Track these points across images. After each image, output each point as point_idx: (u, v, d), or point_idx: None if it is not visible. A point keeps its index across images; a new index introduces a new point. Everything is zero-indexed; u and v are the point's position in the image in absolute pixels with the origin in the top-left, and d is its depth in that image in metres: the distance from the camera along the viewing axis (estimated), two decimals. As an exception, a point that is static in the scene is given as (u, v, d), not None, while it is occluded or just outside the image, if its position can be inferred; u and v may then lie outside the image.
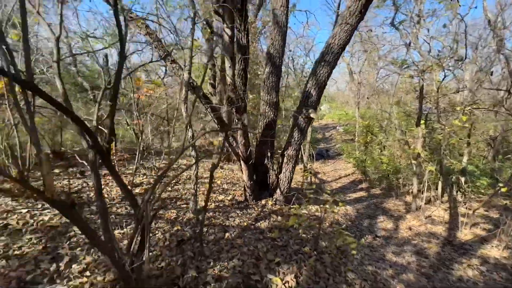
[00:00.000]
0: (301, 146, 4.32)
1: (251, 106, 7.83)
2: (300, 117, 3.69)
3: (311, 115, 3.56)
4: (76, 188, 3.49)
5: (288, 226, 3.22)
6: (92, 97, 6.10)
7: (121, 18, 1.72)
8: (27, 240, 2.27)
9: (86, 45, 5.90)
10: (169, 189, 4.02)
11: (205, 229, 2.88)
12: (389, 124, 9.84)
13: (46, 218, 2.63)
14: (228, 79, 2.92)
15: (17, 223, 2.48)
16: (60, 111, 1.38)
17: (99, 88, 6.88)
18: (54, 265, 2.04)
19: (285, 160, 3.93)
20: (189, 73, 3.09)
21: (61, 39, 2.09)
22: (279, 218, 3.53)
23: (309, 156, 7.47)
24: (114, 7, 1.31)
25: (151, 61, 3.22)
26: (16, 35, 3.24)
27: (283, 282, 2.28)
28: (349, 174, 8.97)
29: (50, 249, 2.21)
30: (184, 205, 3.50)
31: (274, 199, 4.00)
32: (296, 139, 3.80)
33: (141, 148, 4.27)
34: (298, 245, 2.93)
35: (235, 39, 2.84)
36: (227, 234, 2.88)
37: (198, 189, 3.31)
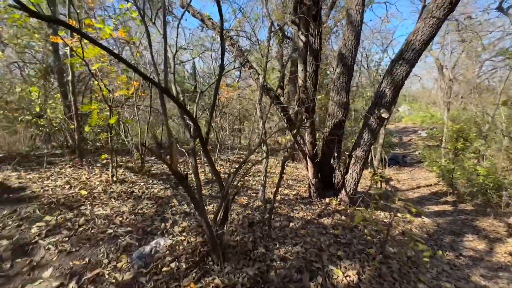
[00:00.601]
0: (371, 148, 4.15)
1: (318, 107, 7.83)
2: (371, 117, 3.60)
3: (383, 115, 3.42)
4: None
5: (353, 226, 3.23)
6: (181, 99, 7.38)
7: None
8: (145, 204, 3.10)
9: (179, 55, 7.19)
10: (241, 179, 4.57)
11: (272, 216, 3.22)
12: (493, 129, 8.07)
13: (156, 190, 3.49)
14: (300, 81, 3.16)
15: (138, 191, 3.40)
16: (180, 108, 1.93)
17: (187, 91, 8.25)
18: (163, 224, 2.74)
19: (352, 161, 3.89)
20: (264, 77, 3.49)
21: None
22: (343, 217, 3.55)
23: (380, 160, 6.94)
24: (220, 31, 1.74)
25: (234, 68, 3.77)
26: (138, 53, 4.31)
27: (345, 275, 2.37)
28: (430, 185, 7.83)
29: (159, 213, 2.96)
30: (254, 194, 3.94)
31: (338, 199, 4.02)
32: (365, 140, 3.72)
33: (219, 143, 4.99)
34: (363, 245, 2.92)
35: (308, 44, 3.05)
36: (291, 224, 3.14)
37: (266, 181, 3.68)
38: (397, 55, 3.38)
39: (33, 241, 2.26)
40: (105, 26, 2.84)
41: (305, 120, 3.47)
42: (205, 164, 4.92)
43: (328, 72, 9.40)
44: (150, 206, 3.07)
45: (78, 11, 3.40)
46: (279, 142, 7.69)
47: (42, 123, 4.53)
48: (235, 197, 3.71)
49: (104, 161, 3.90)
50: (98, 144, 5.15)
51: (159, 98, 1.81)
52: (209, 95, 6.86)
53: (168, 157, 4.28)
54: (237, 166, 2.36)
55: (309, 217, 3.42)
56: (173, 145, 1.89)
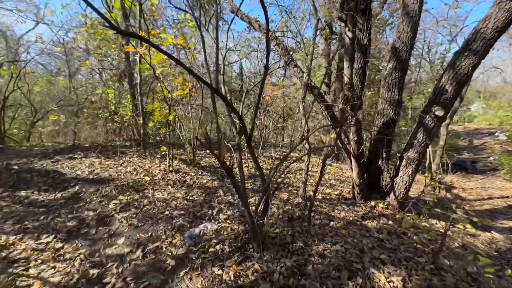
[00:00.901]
0: (430, 151, 3.76)
1: (368, 104, 7.36)
2: (427, 116, 3.28)
3: (437, 113, 3.08)
4: (218, 165, 4.77)
5: (401, 231, 3.02)
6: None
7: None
8: (195, 192, 3.46)
9: (228, 56, 7.59)
10: (282, 176, 4.66)
11: (312, 213, 3.24)
12: None
13: (204, 181, 3.85)
14: (345, 78, 3.09)
15: (190, 181, 3.80)
16: (228, 107, 2.14)
17: (234, 91, 8.69)
18: (210, 211, 3.04)
19: (403, 163, 3.61)
20: (309, 75, 3.50)
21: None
22: (390, 222, 3.34)
23: (440, 164, 6.18)
24: (266, 33, 1.87)
25: (279, 67, 3.87)
26: (193, 57, 4.75)
27: (387, 280, 2.27)
28: (507, 197, 6.61)
29: (207, 201, 3.28)
30: (294, 191, 4.00)
31: (386, 203, 3.77)
32: (419, 140, 3.40)
33: (262, 140, 5.17)
34: (411, 253, 2.72)
35: (355, 40, 2.96)
36: (332, 223, 3.11)
37: (308, 178, 3.70)
38: (462, 46, 2.99)
39: (110, 214, 2.78)
40: (167, 35, 3.26)
41: (350, 118, 3.37)
42: (249, 160, 5.16)
43: (381, 67, 8.73)
44: (199, 194, 3.41)
45: (147, 23, 3.96)
46: (323, 141, 7.50)
47: (116, 119, 5.40)
48: (276, 192, 3.83)
49: (163, 153, 4.46)
50: (157, 138, 5.87)
51: (211, 97, 2.04)
52: (255, 94, 7.11)
53: (216, 151, 4.65)
54: (278, 162, 2.47)
55: (351, 218, 3.32)
56: (221, 140, 2.10)
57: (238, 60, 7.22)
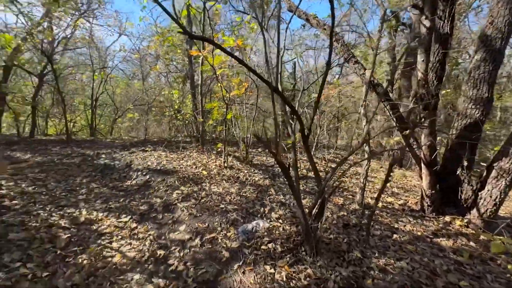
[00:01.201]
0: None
1: (442, 104, 6.37)
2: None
3: None
4: (270, 163, 4.81)
5: (487, 257, 2.51)
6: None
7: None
8: (248, 189, 3.56)
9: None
10: (338, 179, 4.41)
11: (371, 223, 2.96)
12: None
13: (256, 179, 3.93)
14: (419, 74, 2.72)
15: (243, 177, 3.93)
16: (286, 105, 2.12)
17: (286, 90, 8.64)
18: (262, 208, 3.07)
19: (493, 174, 2.98)
20: (372, 72, 3.21)
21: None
22: (472, 243, 2.80)
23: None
24: (330, 30, 1.78)
25: (337, 64, 3.66)
26: (248, 58, 4.85)
27: (469, 312, 1.91)
28: None
29: (259, 198, 3.33)
30: (350, 196, 3.73)
31: (465, 220, 3.19)
32: (518, 148, 2.75)
33: (316, 141, 4.99)
34: (502, 284, 2.23)
35: (433, 30, 2.57)
36: (395, 236, 2.78)
37: (366, 184, 3.40)
38: None
39: (173, 203, 3.07)
40: (227, 37, 3.43)
41: (423, 119, 2.95)
42: (300, 160, 5.05)
43: (460, 60, 7.45)
44: (252, 191, 3.49)
45: (210, 27, 4.25)
46: (383, 145, 6.81)
47: (179, 117, 5.97)
48: (331, 196, 3.64)
49: (219, 150, 4.73)
50: (213, 135, 6.25)
51: (271, 96, 2.05)
52: (308, 93, 6.94)
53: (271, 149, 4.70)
54: (334, 166, 2.33)
55: (419, 233, 2.92)
56: (279, 138, 2.09)
57: (292, 59, 7.16)
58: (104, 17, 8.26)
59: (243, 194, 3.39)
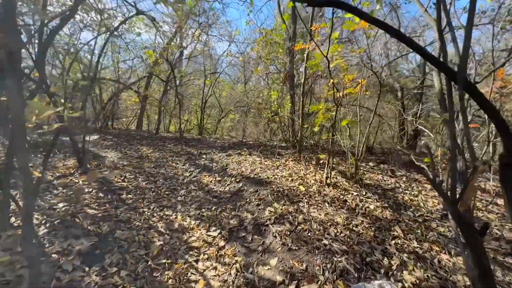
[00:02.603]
0: None
1: None
2: None
3: None
4: (389, 186, 3.61)
5: None
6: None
7: None
8: (360, 221, 2.63)
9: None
10: None
11: None
12: None
13: (371, 207, 2.91)
14: None
15: (351, 202, 3.01)
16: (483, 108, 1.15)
17: (406, 88, 6.77)
18: (386, 259, 2.10)
19: None
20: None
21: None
22: None
23: None
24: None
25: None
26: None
27: None
28: None
29: (379, 240, 2.35)
30: None
31: None
32: None
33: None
34: None
35: None
36: None
37: None
38: None
39: (265, 223, 2.58)
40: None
41: None
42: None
43: None
44: (366, 226, 2.55)
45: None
46: None
47: (276, 120, 5.60)
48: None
49: (321, 161, 3.96)
50: (311, 141, 5.52)
51: (447, 90, 1.14)
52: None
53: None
54: None
55: None
56: (479, 170, 1.09)
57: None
58: (217, 27, 9.10)
59: (354, 228, 2.50)
